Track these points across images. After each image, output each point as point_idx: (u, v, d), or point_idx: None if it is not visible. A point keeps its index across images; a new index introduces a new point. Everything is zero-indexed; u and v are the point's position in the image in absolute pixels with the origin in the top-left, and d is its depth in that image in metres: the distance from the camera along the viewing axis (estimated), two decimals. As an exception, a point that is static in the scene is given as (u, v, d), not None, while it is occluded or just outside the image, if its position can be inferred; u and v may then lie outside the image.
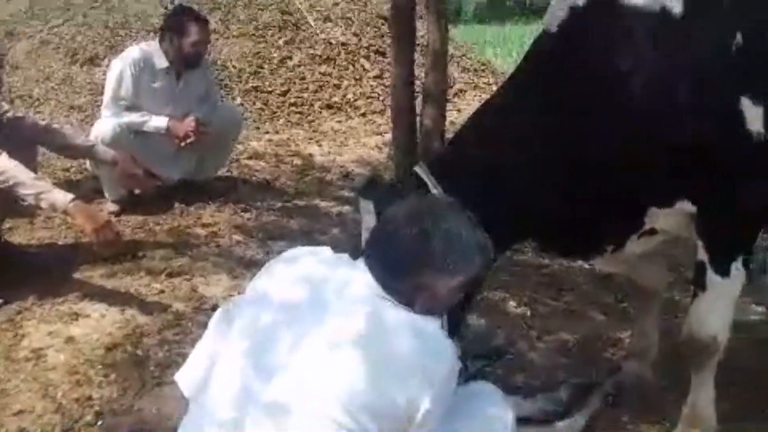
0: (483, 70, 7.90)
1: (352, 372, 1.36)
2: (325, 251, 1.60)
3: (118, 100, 3.84)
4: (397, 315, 1.43)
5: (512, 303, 3.23)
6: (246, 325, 1.49)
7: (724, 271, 2.07)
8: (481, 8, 18.81)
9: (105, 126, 3.74)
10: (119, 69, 3.86)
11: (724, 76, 1.98)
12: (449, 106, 6.87)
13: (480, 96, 7.02)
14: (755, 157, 2.01)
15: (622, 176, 2.04)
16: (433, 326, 1.44)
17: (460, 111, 6.76)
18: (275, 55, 6.47)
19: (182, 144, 3.89)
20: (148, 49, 3.97)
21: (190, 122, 3.86)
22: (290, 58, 6.47)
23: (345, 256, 1.56)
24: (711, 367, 2.20)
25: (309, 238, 3.62)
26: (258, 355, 1.43)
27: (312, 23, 6.86)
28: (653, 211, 2.11)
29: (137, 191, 3.62)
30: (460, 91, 7.30)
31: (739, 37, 1.96)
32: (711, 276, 2.08)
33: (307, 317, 1.44)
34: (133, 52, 3.96)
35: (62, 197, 2.85)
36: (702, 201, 2.04)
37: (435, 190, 2.02)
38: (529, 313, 3.17)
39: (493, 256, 1.85)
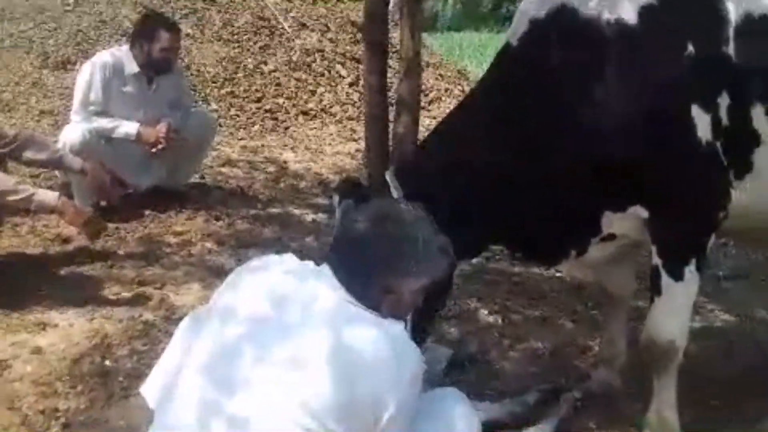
0: (458, 78, 7.96)
1: (319, 378, 1.38)
2: (291, 259, 1.60)
3: (88, 105, 3.79)
4: (363, 321, 1.44)
5: (484, 311, 3.25)
6: (212, 339, 1.48)
7: (678, 275, 2.11)
8: (458, 16, 18.95)
9: (74, 132, 3.69)
10: (89, 74, 3.81)
11: (676, 86, 2.04)
12: (424, 113, 6.91)
13: (455, 103, 7.06)
14: (704, 163, 2.07)
15: (578, 181, 2.09)
16: (398, 330, 1.46)
17: (436, 118, 6.79)
18: (250, 60, 6.46)
19: (153, 150, 3.85)
20: (119, 53, 3.93)
21: (160, 128, 3.83)
22: (265, 63, 6.46)
23: (310, 263, 1.57)
24: (672, 371, 2.24)
25: (282, 246, 3.61)
26: (224, 371, 1.43)
27: (287, 29, 6.86)
28: (608, 216, 2.16)
29: (103, 203, 3.59)
30: (436, 98, 7.35)
31: (690, 47, 2.03)
32: (665, 280, 2.13)
33: (274, 334, 1.44)
34: (103, 56, 3.92)
35: (51, 196, 3.07)
36: (653, 206, 2.09)
37: (395, 192, 2.08)
38: (501, 321, 3.19)
39: (456, 261, 1.88)
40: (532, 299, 3.43)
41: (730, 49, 2.04)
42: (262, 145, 5.43)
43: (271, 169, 4.92)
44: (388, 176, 2.15)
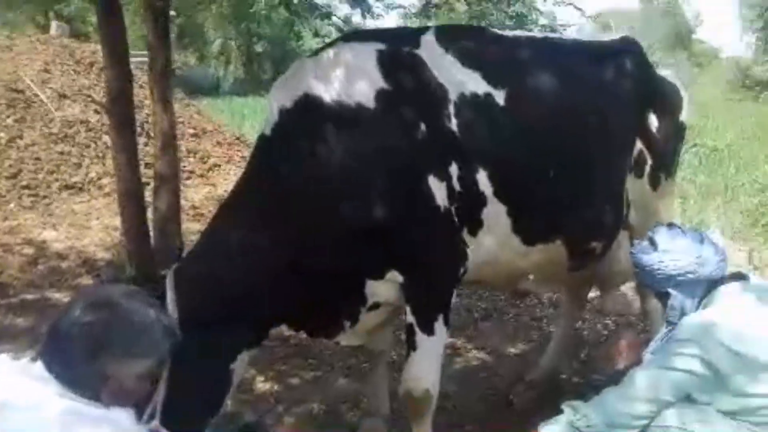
0: (237, 144, 8.01)
1: None
2: (6, 358, 1.50)
3: None
4: (82, 416, 1.38)
5: (260, 378, 3.25)
6: None
7: (429, 330, 2.31)
8: (240, 81, 19.14)
9: None
10: None
11: (413, 160, 2.25)
12: (203, 180, 6.86)
13: (235, 169, 7.08)
14: (443, 226, 2.30)
15: (339, 255, 2.21)
16: (123, 420, 1.42)
17: (215, 186, 6.76)
18: (3, 134, 5.97)
19: None
20: None
21: None
22: (21, 137, 6.00)
23: (23, 361, 1.48)
24: (428, 417, 2.42)
25: (38, 336, 3.31)
26: None
27: (45, 100, 6.44)
28: (370, 284, 2.30)
29: None
30: (215, 165, 7.32)
31: (422, 126, 2.26)
32: (419, 336, 2.31)
33: None
34: None
35: None
36: (405, 269, 2.27)
37: (170, 293, 2.05)
38: (276, 386, 3.22)
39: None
40: (309, 359, 3.50)
41: (453, 125, 2.30)
42: (19, 225, 4.99)
43: (28, 250, 4.53)
44: (168, 276, 2.12)
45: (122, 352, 1.43)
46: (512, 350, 3.73)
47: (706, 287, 1.96)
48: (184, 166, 6.73)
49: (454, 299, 2.40)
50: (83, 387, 1.41)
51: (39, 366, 1.43)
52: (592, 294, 3.77)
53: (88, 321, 1.43)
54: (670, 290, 1.98)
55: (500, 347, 3.73)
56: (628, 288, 3.73)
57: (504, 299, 4.28)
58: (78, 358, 1.41)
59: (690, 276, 1.95)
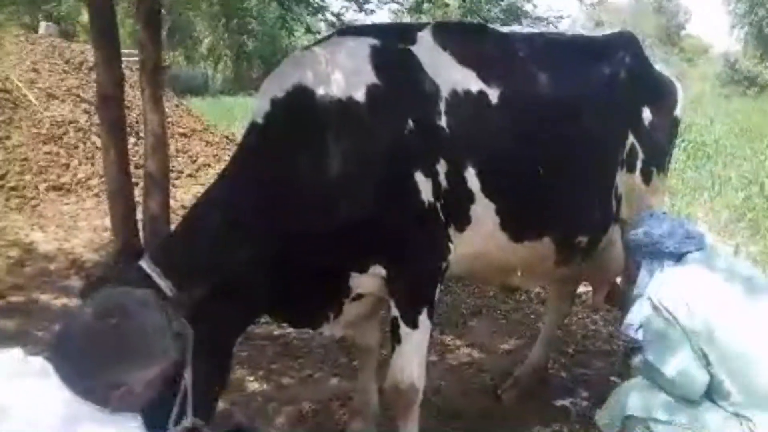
0: (227, 143, 7.99)
1: None
2: (13, 357, 1.47)
3: None
4: (92, 422, 1.37)
5: (250, 378, 3.25)
6: None
7: (413, 324, 2.32)
8: (229, 81, 19.04)
9: None
10: None
11: (400, 155, 2.26)
12: (192, 181, 6.84)
13: (224, 169, 7.06)
14: (428, 222, 2.31)
15: (325, 247, 2.21)
16: (129, 426, 1.41)
17: (205, 185, 6.72)
18: (-10, 135, 5.93)
19: None
20: None
21: None
22: (8, 138, 5.97)
23: (36, 361, 1.46)
24: (414, 412, 2.42)
25: (26, 338, 3.30)
26: None
27: (34, 101, 6.41)
28: (354, 276, 2.31)
29: None
30: (204, 165, 7.30)
31: (410, 122, 2.27)
32: (404, 329, 2.32)
33: None
34: None
35: None
36: (389, 264, 2.28)
37: (162, 282, 2.01)
38: (266, 385, 3.22)
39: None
40: (299, 358, 3.51)
41: (443, 122, 2.31)
42: (5, 227, 4.96)
43: (15, 252, 4.51)
44: (147, 265, 2.06)
45: (135, 361, 1.41)
46: (501, 346, 3.74)
47: (674, 259, 2.15)
48: (173, 166, 6.71)
49: (441, 295, 2.41)
50: (90, 392, 1.39)
51: (49, 368, 1.41)
52: (582, 289, 3.80)
53: (100, 329, 1.39)
54: (639, 260, 2.21)
55: (489, 343, 3.75)
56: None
57: (494, 296, 4.29)
58: (90, 368, 1.38)
59: (656, 246, 2.16)
